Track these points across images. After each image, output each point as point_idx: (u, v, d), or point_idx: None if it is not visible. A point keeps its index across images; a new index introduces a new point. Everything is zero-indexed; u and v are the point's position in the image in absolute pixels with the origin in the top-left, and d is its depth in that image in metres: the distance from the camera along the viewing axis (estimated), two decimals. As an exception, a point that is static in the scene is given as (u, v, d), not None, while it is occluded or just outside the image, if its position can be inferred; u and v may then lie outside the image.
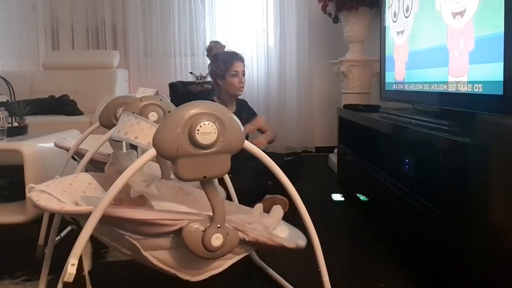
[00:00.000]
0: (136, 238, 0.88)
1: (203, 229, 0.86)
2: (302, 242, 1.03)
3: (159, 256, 0.91)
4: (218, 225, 0.87)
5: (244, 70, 2.31)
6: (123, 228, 0.88)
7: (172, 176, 1.33)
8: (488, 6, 1.30)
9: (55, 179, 1.04)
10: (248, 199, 1.81)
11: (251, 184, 2.03)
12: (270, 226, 1.07)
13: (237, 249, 0.94)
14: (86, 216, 0.82)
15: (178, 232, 0.86)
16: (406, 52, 1.99)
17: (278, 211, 1.15)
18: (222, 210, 0.89)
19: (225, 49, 2.36)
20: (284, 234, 1.08)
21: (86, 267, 1.02)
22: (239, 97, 2.43)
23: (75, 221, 1.01)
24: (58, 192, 0.97)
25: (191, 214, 0.94)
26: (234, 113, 2.50)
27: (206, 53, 2.40)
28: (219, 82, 2.32)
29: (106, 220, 0.82)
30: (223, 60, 2.29)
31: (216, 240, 0.87)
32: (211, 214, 0.89)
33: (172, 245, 0.90)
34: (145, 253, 0.90)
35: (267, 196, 2.12)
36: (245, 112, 2.43)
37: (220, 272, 0.99)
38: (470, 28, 1.40)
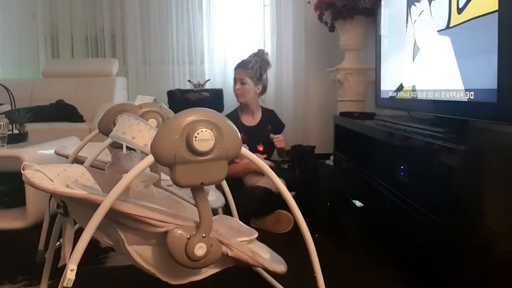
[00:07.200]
0: (123, 229, 0.87)
1: (188, 236, 0.85)
2: (283, 267, 0.99)
3: (141, 252, 0.90)
4: (203, 235, 0.86)
5: (242, 78, 2.30)
6: (111, 218, 0.87)
7: (163, 183, 1.34)
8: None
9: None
10: (256, 208, 1.76)
11: (263, 194, 1.94)
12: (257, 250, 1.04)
13: (219, 262, 0.92)
14: (77, 200, 0.80)
15: (163, 235, 0.85)
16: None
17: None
18: (209, 220, 0.87)
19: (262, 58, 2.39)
20: (266, 256, 1.04)
21: (68, 253, 0.98)
22: (266, 106, 2.45)
23: (64, 205, 0.98)
24: (52, 175, 0.95)
25: (180, 218, 0.91)
26: (258, 123, 2.42)
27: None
28: None
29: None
30: None
31: (199, 249, 0.85)
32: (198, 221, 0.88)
33: (157, 243, 0.89)
34: (128, 247, 0.88)
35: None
36: (270, 123, 2.41)
37: (206, 278, 0.96)
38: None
